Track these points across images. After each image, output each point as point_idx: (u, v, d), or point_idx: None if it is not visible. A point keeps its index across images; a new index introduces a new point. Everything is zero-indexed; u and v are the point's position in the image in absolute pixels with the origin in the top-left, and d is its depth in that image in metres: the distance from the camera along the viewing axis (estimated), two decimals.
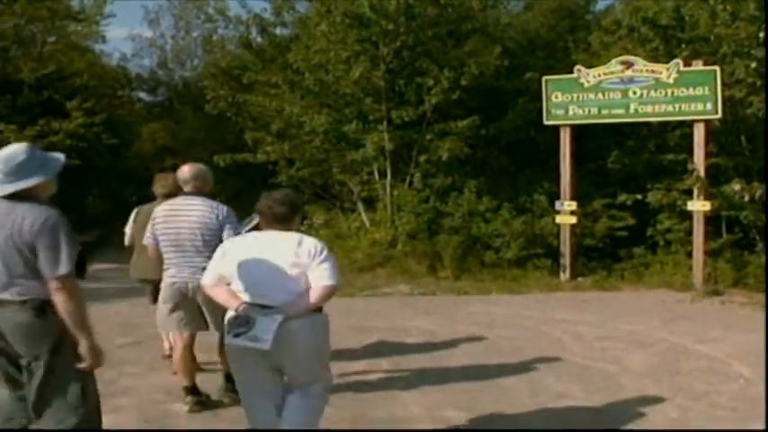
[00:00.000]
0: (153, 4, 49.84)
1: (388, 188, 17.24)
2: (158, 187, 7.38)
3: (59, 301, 3.92)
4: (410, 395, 6.39)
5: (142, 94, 34.35)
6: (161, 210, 6.25)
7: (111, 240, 27.21)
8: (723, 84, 12.82)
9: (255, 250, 4.54)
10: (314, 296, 4.42)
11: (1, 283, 3.98)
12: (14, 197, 3.97)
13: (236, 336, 4.35)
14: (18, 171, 3.99)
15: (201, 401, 6.11)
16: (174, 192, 6.73)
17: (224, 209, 6.09)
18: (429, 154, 16.79)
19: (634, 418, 5.85)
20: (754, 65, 12.93)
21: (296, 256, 4.45)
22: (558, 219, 14.23)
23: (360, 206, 17.93)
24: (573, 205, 14.03)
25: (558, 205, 14.21)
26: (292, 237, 4.55)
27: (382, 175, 17.54)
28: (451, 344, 8.50)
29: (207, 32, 32.69)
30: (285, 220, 4.60)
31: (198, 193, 6.19)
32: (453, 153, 16.38)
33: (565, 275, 13.95)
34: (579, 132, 14.38)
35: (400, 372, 7.21)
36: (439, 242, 15.38)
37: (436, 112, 17.01)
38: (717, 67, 12.85)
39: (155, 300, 6.69)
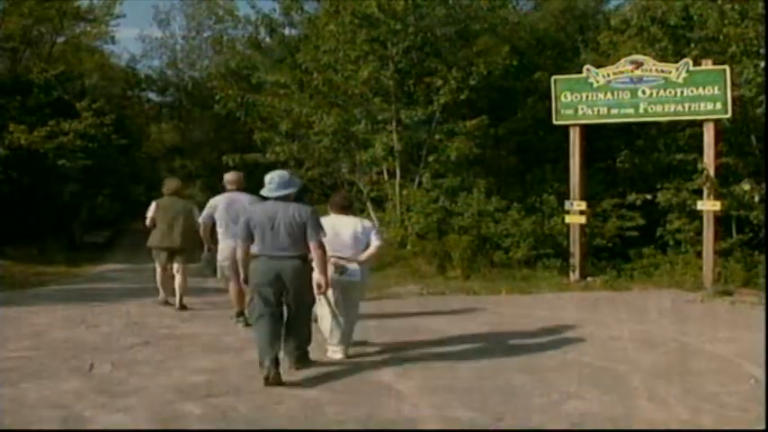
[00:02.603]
0: (164, 4, 49.98)
1: (397, 188, 17.25)
2: (166, 189, 11.16)
3: (317, 253, 6.95)
4: (420, 395, 6.38)
5: (152, 95, 34.46)
6: (222, 200, 9.73)
7: (121, 241, 27.33)
8: (732, 83, 12.78)
9: (337, 226, 7.66)
10: (373, 250, 7.79)
11: (286, 246, 6.88)
12: (281, 199, 7.01)
13: (341, 274, 7.51)
14: (285, 183, 7.10)
15: (246, 319, 8.95)
16: (178, 191, 11.18)
17: (254, 198, 8.92)
18: (438, 154, 16.80)
19: (645, 419, 5.84)
20: (762, 64, 12.90)
21: (362, 229, 7.82)
22: (568, 219, 14.20)
23: (369, 206, 17.94)
24: (582, 205, 13.99)
25: (567, 205, 14.18)
26: (357, 219, 8.06)
27: (391, 175, 17.56)
28: (461, 344, 8.49)
29: (217, 33, 32.76)
30: (348, 208, 8.06)
31: (239, 189, 9.79)
32: (462, 153, 16.39)
33: (574, 275, 13.92)
34: (588, 132, 14.35)
35: (410, 372, 7.20)
36: (448, 242, 15.39)
37: (445, 111, 17.03)
38: (726, 67, 12.81)
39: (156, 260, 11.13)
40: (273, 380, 6.57)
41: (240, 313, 9.40)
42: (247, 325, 8.86)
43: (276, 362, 6.68)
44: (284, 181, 7.12)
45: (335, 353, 7.63)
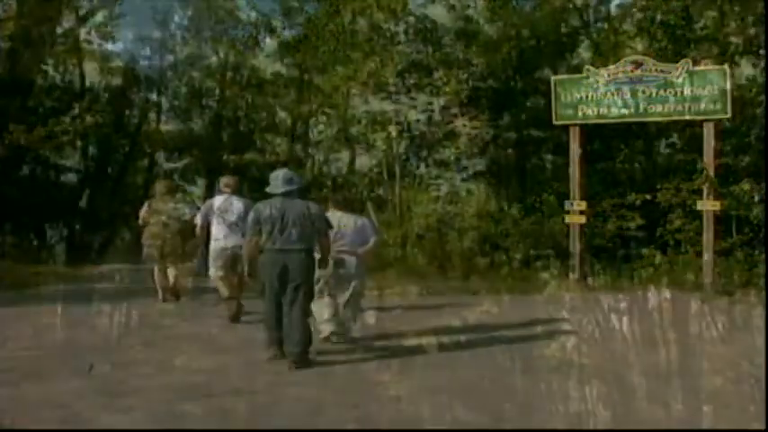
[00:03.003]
0: (164, 4, 49.80)
1: (397, 188, 17.24)
2: (158, 191, 11.83)
3: (324, 242, 7.73)
4: (420, 395, 6.38)
5: (151, 95, 34.30)
6: (217, 202, 10.31)
7: (121, 241, 27.31)
8: (732, 83, 12.76)
9: (340, 221, 8.30)
10: (370, 246, 8.63)
11: (295, 240, 7.41)
12: (287, 194, 7.53)
13: (339, 268, 8.18)
14: (289, 180, 7.65)
15: (240, 305, 9.89)
16: (169, 192, 11.74)
17: (248, 201, 10.08)
18: (438, 153, 16.79)
19: (645, 419, 5.84)
20: (762, 64, 12.90)
21: (360, 225, 8.60)
22: (568, 218, 14.17)
23: (369, 206, 17.92)
24: (582, 205, 13.97)
25: (567, 205, 14.14)
26: (355, 216, 8.77)
27: (391, 175, 17.54)
28: (461, 344, 8.50)
29: (217, 33, 32.69)
30: (348, 206, 8.79)
31: (234, 193, 10.38)
32: (462, 152, 16.38)
33: (574, 275, 13.88)
34: (589, 132, 14.33)
35: (410, 371, 7.20)
36: (448, 242, 15.36)
37: (445, 110, 17.01)
38: (726, 67, 12.79)
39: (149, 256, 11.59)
40: (278, 357, 7.42)
41: (230, 298, 10.06)
42: (236, 318, 9.89)
43: (280, 341, 7.50)
44: (288, 178, 7.69)
45: (324, 332, 8.20)
